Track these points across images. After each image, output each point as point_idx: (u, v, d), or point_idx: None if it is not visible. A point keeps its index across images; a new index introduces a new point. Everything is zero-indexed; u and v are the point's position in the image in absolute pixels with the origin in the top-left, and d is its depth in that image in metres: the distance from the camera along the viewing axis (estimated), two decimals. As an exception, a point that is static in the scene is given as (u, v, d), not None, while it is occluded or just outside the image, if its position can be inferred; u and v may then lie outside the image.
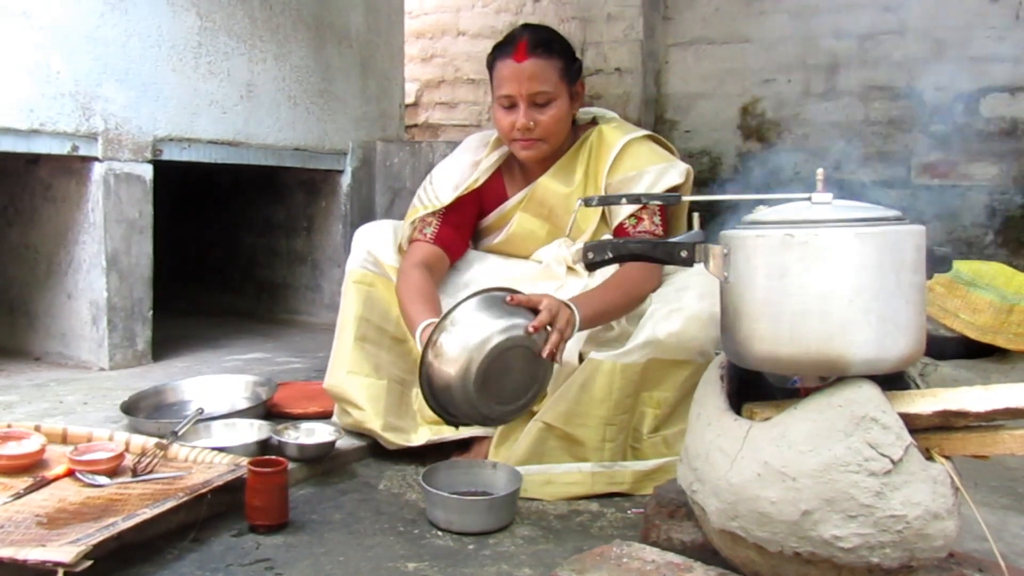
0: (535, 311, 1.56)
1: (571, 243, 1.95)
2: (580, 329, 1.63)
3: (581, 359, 1.77)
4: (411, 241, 1.98)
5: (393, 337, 1.95)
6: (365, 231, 2.04)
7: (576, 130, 2.00)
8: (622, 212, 1.88)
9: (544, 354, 1.54)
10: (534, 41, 1.85)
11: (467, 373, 1.49)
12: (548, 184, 1.96)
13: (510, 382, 1.56)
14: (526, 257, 2.04)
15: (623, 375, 1.69)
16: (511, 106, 1.87)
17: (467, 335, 1.50)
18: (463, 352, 1.49)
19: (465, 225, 2.04)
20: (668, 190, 1.87)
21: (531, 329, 1.52)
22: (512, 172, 2.03)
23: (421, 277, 1.86)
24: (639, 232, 1.86)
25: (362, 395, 1.88)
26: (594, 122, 2.03)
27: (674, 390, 1.74)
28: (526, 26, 1.95)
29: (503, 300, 1.56)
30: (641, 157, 1.91)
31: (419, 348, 1.66)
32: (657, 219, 1.88)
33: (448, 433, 1.85)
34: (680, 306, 1.72)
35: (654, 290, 1.81)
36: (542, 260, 1.98)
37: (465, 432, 1.85)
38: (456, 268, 2.03)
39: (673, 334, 1.69)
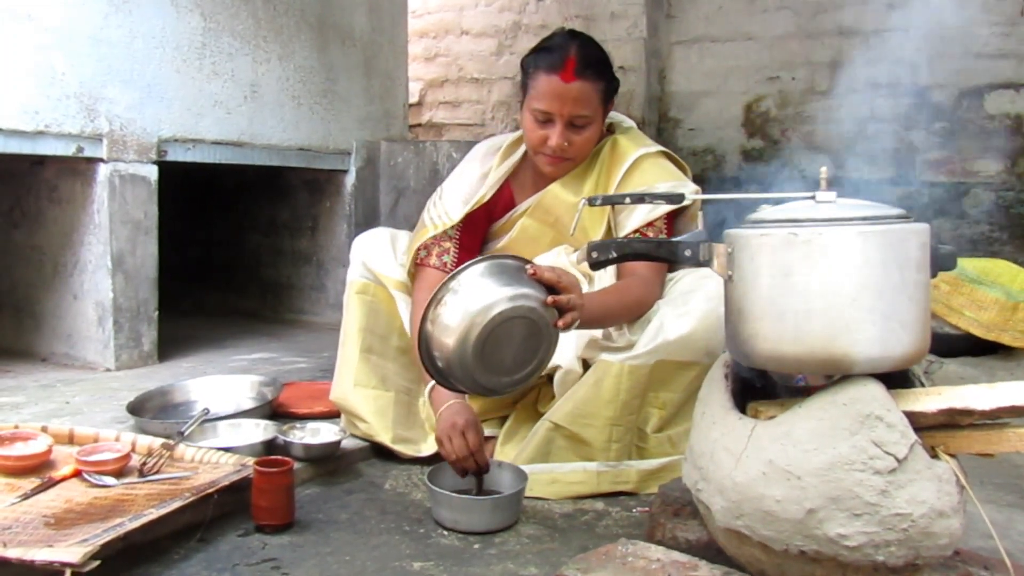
0: (550, 288, 1.48)
1: (571, 251, 1.94)
2: (579, 327, 1.56)
3: (585, 366, 1.76)
4: (421, 263, 1.92)
5: (397, 347, 1.95)
6: (361, 242, 2.02)
7: None
8: (627, 227, 1.85)
9: (557, 323, 1.47)
10: (584, 61, 1.78)
11: (466, 341, 1.42)
12: (557, 192, 1.93)
13: (511, 353, 1.48)
14: None
15: (631, 376, 1.69)
16: (547, 121, 1.81)
17: (469, 302, 1.42)
18: (464, 319, 1.41)
19: (477, 246, 2.00)
20: (674, 210, 1.85)
21: (549, 301, 1.45)
22: (521, 179, 1.99)
23: None
24: None
25: (369, 408, 1.88)
26: (610, 129, 2.00)
27: (680, 391, 1.74)
28: (573, 37, 1.84)
29: (516, 269, 1.47)
30: (652, 173, 1.88)
31: (426, 397, 1.70)
32: (663, 238, 1.86)
33: None
34: (688, 309, 1.71)
35: (653, 304, 1.77)
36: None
37: None
38: None
39: (683, 336, 1.69)
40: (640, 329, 1.73)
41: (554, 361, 1.67)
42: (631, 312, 1.75)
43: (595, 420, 1.71)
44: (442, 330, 1.43)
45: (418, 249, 1.93)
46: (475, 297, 1.42)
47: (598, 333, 1.73)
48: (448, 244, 1.93)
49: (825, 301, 1.12)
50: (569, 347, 1.74)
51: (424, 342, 1.46)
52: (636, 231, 1.85)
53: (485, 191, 1.94)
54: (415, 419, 1.93)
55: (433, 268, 1.90)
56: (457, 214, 1.92)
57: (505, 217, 2.01)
